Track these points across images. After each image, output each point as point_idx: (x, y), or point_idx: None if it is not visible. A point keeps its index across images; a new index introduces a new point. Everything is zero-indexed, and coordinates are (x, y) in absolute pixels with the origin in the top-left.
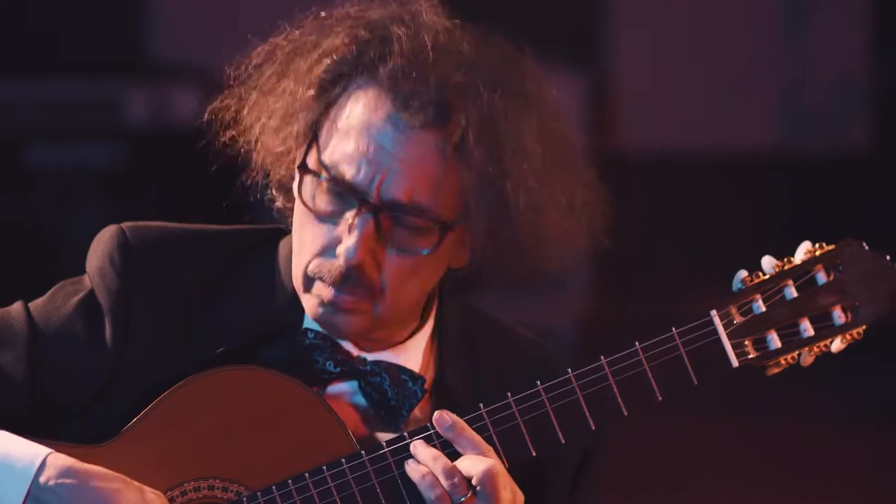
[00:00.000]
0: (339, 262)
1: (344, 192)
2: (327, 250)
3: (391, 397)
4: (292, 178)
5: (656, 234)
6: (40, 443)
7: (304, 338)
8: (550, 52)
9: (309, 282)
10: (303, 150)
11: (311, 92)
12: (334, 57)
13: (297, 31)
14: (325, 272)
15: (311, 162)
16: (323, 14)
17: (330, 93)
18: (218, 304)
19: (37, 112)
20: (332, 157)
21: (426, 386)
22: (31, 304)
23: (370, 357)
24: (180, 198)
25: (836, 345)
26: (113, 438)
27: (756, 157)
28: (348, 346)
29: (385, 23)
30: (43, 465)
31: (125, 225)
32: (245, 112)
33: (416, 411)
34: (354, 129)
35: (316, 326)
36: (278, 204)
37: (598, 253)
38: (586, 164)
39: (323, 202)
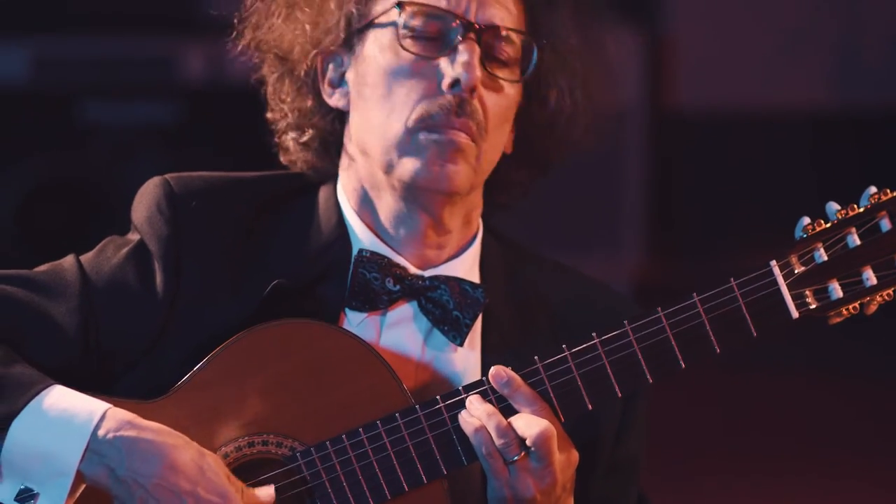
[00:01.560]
0: (461, 82)
1: (440, 28)
2: (430, 92)
3: (453, 308)
4: (333, 92)
5: (713, 192)
6: (99, 398)
7: (361, 256)
8: (608, 10)
9: (411, 139)
10: (360, 38)
11: None
12: None
13: None
14: (437, 110)
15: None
16: None
17: None
18: (266, 247)
19: (92, 69)
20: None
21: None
22: (83, 257)
23: (427, 273)
24: (235, 154)
25: None
26: (167, 394)
27: (813, 114)
28: (405, 263)
29: None
30: (102, 418)
31: (169, 176)
32: (272, 33)
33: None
34: None
35: (370, 246)
36: (298, 154)
37: (654, 211)
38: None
39: (416, 46)
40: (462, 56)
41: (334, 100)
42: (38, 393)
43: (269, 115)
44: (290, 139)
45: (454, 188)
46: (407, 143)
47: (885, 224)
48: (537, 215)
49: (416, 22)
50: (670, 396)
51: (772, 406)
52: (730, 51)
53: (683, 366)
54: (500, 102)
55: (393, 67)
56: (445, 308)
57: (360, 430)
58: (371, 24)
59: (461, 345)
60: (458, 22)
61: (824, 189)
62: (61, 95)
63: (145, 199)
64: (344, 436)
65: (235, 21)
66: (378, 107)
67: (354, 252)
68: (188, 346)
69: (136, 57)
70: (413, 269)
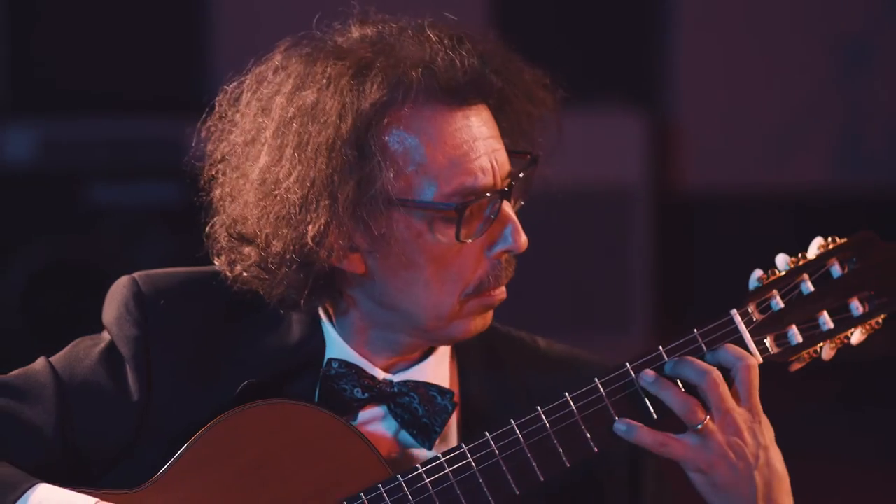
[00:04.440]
0: (514, 252)
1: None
2: (482, 264)
3: (422, 415)
4: (345, 257)
5: (716, 274)
6: (82, 492)
7: (330, 368)
8: (612, 92)
9: (464, 307)
10: (384, 209)
11: (351, 158)
12: (357, 107)
13: (280, 105)
14: (492, 278)
15: (450, 210)
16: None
17: (366, 145)
18: (237, 344)
19: (99, 150)
20: (452, 185)
21: (455, 399)
22: (53, 359)
23: (396, 378)
24: None
25: (857, 336)
26: (147, 484)
27: (816, 196)
28: (374, 370)
29: (376, 44)
30: None
31: (137, 275)
32: (242, 187)
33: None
34: (445, 147)
35: (340, 355)
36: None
37: (659, 292)
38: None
39: (472, 233)
40: (508, 225)
41: (350, 264)
42: (24, 492)
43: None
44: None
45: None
46: (458, 311)
47: (837, 270)
48: (542, 297)
49: (467, 211)
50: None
51: None
52: (732, 133)
53: (655, 417)
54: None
55: (441, 250)
56: (415, 414)
57: (344, 503)
58: (405, 204)
59: (430, 449)
60: (497, 195)
61: None
62: (68, 177)
63: (114, 300)
64: None
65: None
66: (428, 285)
67: (326, 356)
68: (165, 441)
69: (144, 138)
70: (381, 375)
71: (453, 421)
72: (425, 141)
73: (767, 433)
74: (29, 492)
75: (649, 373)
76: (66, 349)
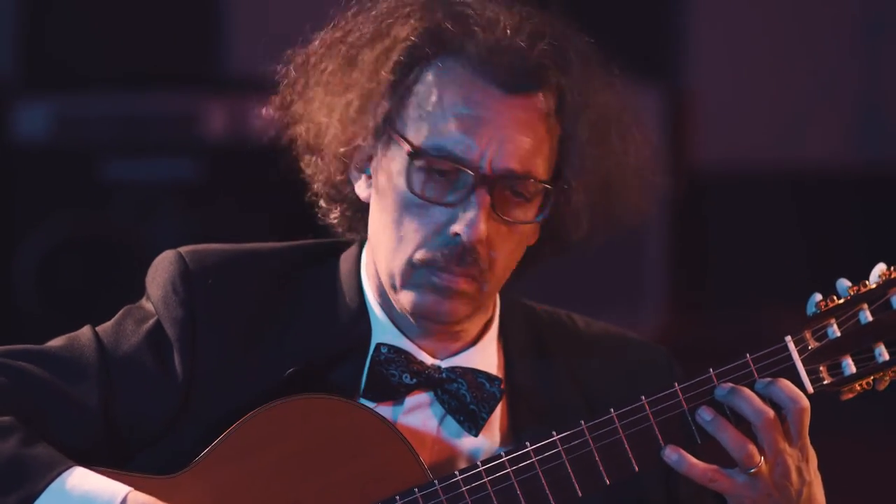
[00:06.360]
0: (462, 240)
1: (454, 171)
2: (436, 235)
3: (470, 402)
4: (359, 177)
5: (732, 250)
6: (118, 479)
7: (379, 353)
8: (627, 66)
9: (413, 273)
10: (387, 140)
11: (386, 82)
12: (411, 41)
13: (350, 24)
14: (440, 256)
15: (409, 149)
16: (370, 6)
17: (404, 81)
18: (283, 326)
19: (114, 126)
20: (433, 140)
21: (502, 386)
22: (100, 330)
23: (444, 364)
24: (259, 212)
25: None
26: (185, 469)
27: (834, 173)
28: (422, 355)
29: (454, 3)
30: (124, 502)
31: (183, 250)
32: (309, 110)
33: (495, 413)
34: (452, 107)
35: (388, 339)
36: (334, 215)
37: (675, 269)
38: (647, 133)
39: (428, 187)
40: (469, 212)
41: (359, 187)
42: (59, 474)
43: (303, 166)
44: (322, 206)
45: (452, 321)
46: (409, 276)
47: None
48: (557, 272)
49: (428, 165)
50: None
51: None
52: (748, 108)
53: (699, 442)
54: (513, 237)
55: (406, 198)
56: (462, 401)
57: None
58: (392, 140)
59: (476, 436)
60: (470, 173)
61: (845, 248)
62: (83, 153)
63: (160, 276)
64: None
65: (272, 93)
66: (388, 230)
67: (373, 341)
68: (206, 423)
69: (159, 114)
70: (430, 361)
71: (499, 407)
72: (442, 95)
73: (812, 465)
74: (65, 474)
75: (708, 410)
76: (113, 321)
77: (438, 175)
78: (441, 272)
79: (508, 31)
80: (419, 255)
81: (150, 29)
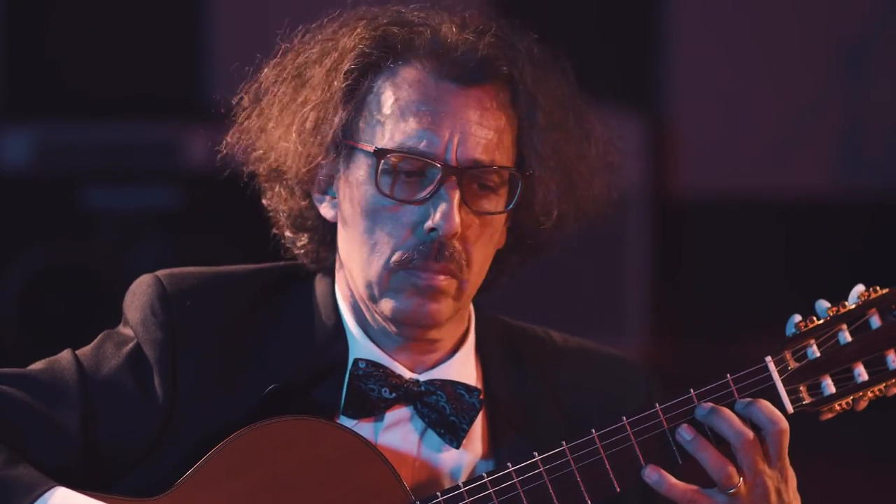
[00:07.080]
0: (439, 233)
1: (421, 169)
2: (411, 235)
3: (450, 413)
4: (323, 199)
5: (713, 278)
6: (99, 499)
7: (357, 368)
8: (610, 95)
9: (392, 278)
10: (348, 153)
11: (339, 91)
12: (360, 49)
13: (298, 47)
14: (416, 255)
15: (373, 148)
16: (317, 26)
17: (358, 90)
18: (262, 346)
19: (96, 155)
20: (395, 140)
21: (481, 397)
22: (80, 353)
23: (422, 377)
24: (240, 240)
25: (893, 389)
26: (167, 491)
27: (814, 200)
28: (400, 369)
29: (397, 12)
30: None
31: (160, 274)
32: (267, 138)
33: (475, 425)
34: (409, 106)
35: (365, 355)
36: (301, 244)
37: (656, 294)
38: (600, 123)
39: (396, 188)
40: (441, 205)
41: (323, 208)
42: (40, 495)
43: (265, 202)
44: (287, 236)
45: (435, 323)
46: (387, 282)
47: (875, 321)
48: (538, 298)
49: (395, 165)
50: None
51: None
52: (730, 137)
53: (680, 462)
54: (485, 232)
55: (375, 204)
56: (442, 413)
57: None
58: (355, 148)
59: (458, 448)
60: (437, 166)
61: (825, 274)
62: (65, 180)
63: (138, 299)
64: None
65: (230, 116)
66: (361, 240)
67: (351, 357)
68: (188, 445)
69: (140, 142)
70: (408, 375)
71: (479, 419)
72: (398, 97)
73: (791, 486)
74: (46, 494)
75: (689, 430)
76: (92, 345)
77: (406, 176)
78: (420, 272)
79: (454, 28)
80: (395, 258)
81: (132, 58)
